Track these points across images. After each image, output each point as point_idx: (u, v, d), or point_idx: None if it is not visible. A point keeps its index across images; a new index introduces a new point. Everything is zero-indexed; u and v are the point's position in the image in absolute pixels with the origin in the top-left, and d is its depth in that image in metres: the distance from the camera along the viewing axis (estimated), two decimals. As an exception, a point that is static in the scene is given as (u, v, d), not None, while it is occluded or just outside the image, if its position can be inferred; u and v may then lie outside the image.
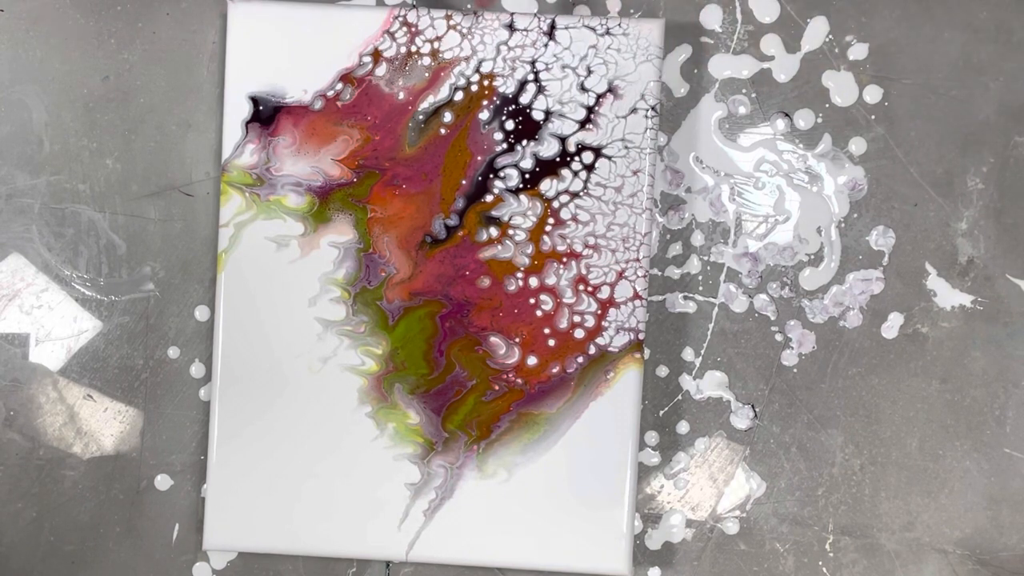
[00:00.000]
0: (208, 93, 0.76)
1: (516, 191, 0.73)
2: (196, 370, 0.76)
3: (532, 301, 0.73)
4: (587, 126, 0.73)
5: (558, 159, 0.73)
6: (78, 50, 0.76)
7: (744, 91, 0.75)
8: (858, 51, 0.74)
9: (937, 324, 0.75)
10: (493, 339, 0.73)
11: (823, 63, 0.75)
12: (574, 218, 0.73)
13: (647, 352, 0.75)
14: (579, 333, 0.73)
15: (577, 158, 0.73)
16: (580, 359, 0.73)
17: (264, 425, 0.73)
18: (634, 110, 0.72)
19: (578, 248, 0.73)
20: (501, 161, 0.73)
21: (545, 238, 0.73)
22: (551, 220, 0.73)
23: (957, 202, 0.75)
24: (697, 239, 0.75)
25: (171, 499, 0.76)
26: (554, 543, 0.72)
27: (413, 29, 0.73)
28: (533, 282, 0.73)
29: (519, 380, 0.73)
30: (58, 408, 0.76)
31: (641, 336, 0.72)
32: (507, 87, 0.73)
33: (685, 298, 0.75)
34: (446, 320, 0.73)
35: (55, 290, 0.76)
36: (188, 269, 0.76)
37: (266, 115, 0.73)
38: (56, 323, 0.76)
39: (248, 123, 0.73)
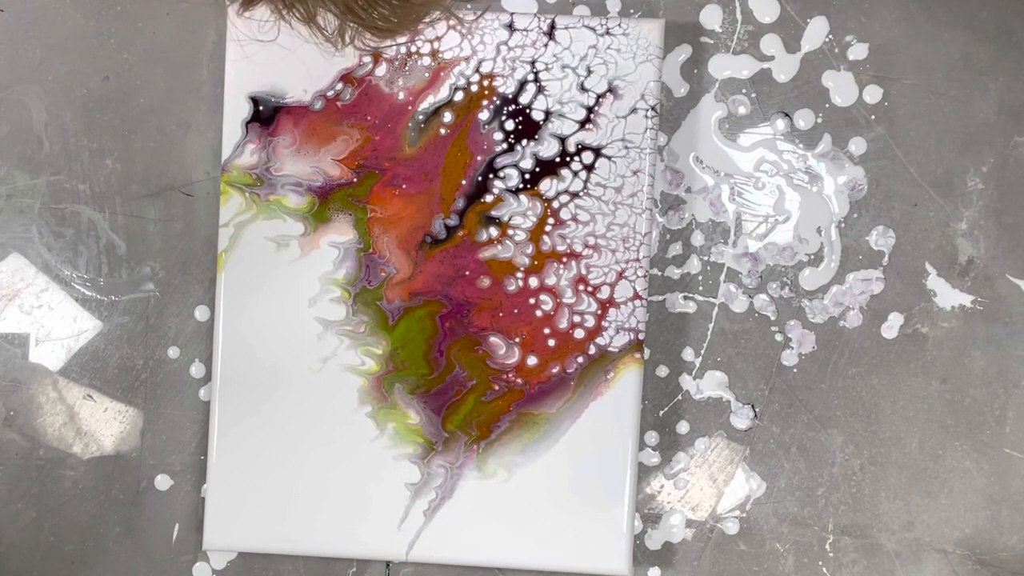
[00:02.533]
0: (208, 93, 0.76)
1: (516, 191, 0.73)
2: (196, 370, 0.76)
3: (532, 301, 0.73)
4: (587, 126, 0.73)
5: (558, 159, 0.73)
6: (78, 50, 0.76)
7: (744, 91, 0.75)
8: (858, 51, 0.74)
9: (937, 324, 0.75)
10: (493, 339, 0.73)
11: (823, 63, 0.75)
12: (574, 218, 0.73)
13: (647, 352, 0.75)
14: (579, 333, 0.73)
15: (577, 158, 0.73)
16: (580, 359, 0.73)
17: (264, 425, 0.73)
18: (634, 110, 0.72)
19: (578, 248, 0.73)
20: (501, 161, 0.73)
21: (545, 238, 0.73)
22: (551, 220, 0.73)
23: (957, 202, 0.75)
24: (697, 239, 0.75)
25: (171, 499, 0.76)
26: (554, 543, 0.72)
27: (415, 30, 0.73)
28: (533, 282, 0.73)
29: (519, 380, 0.73)
30: (58, 408, 0.76)
31: (641, 336, 0.72)
32: (507, 87, 0.73)
33: (685, 298, 0.75)
34: (446, 320, 0.73)
35: (55, 290, 0.76)
36: (188, 269, 0.76)
37: (266, 115, 0.73)
38: (56, 323, 0.76)
39: (248, 123, 0.73)
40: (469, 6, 0.45)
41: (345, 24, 0.43)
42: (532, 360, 0.73)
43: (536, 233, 0.73)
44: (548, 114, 0.73)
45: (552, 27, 0.72)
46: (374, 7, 0.41)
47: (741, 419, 0.75)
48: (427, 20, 0.44)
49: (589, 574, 0.73)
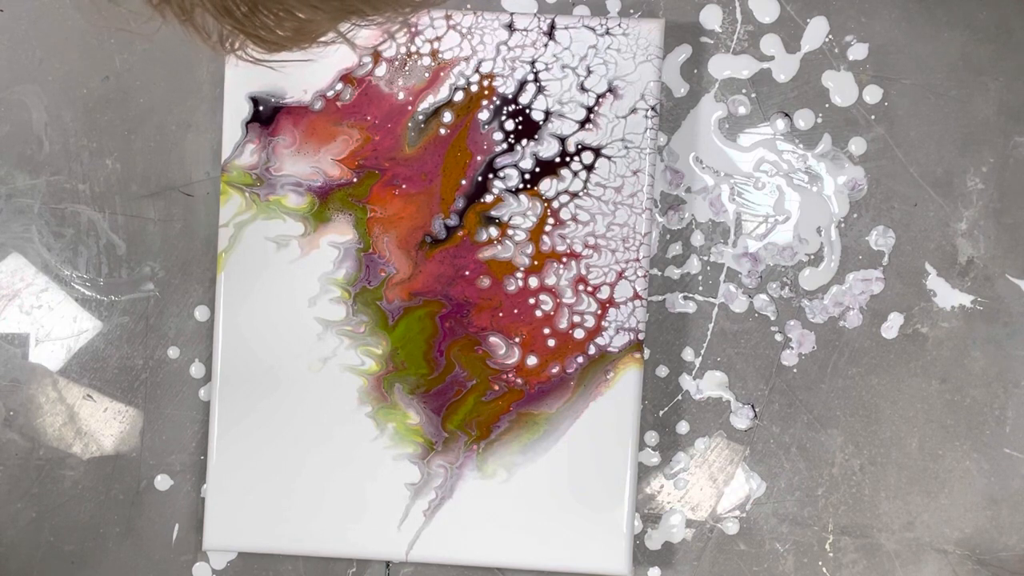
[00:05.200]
0: (208, 93, 0.76)
1: (516, 191, 0.73)
2: (196, 370, 0.76)
3: (532, 301, 0.73)
4: (587, 126, 0.73)
5: (558, 159, 0.73)
6: (78, 50, 0.76)
7: (744, 91, 0.75)
8: (858, 51, 0.74)
9: (937, 324, 0.75)
10: (493, 339, 0.73)
11: (823, 63, 0.75)
12: (574, 218, 0.73)
13: (647, 352, 0.75)
14: (579, 333, 0.73)
15: (577, 158, 0.73)
16: (580, 359, 0.73)
17: (264, 425, 0.73)
18: (634, 110, 0.72)
19: (578, 248, 0.73)
20: (501, 161, 0.73)
21: (545, 238, 0.73)
22: (551, 220, 0.73)
23: (957, 202, 0.74)
24: (697, 239, 0.75)
25: (171, 499, 0.76)
26: (554, 543, 0.72)
27: (413, 29, 0.73)
28: (533, 282, 0.73)
29: (519, 380, 0.73)
30: (58, 408, 0.76)
31: (641, 336, 0.72)
32: (507, 87, 0.73)
33: (685, 298, 0.75)
34: (446, 320, 0.73)
35: (55, 290, 0.76)
36: (188, 269, 0.76)
37: (266, 115, 0.73)
38: (56, 323, 0.76)
39: (248, 123, 0.73)
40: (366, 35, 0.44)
41: (225, 29, 0.41)
42: (532, 360, 0.73)
43: (536, 233, 0.73)
44: (548, 114, 0.73)
45: (552, 27, 0.72)
46: (255, 14, 0.40)
47: (741, 419, 0.75)
48: (322, 41, 0.43)
49: (589, 574, 0.73)
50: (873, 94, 0.74)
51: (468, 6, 0.75)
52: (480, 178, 0.73)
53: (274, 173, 0.73)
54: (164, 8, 0.41)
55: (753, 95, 0.75)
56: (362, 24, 0.43)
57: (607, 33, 0.72)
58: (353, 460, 0.73)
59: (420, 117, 0.73)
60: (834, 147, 0.75)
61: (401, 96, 0.73)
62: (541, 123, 0.73)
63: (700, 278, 0.75)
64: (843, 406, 0.75)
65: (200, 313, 0.76)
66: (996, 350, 0.74)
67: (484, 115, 0.73)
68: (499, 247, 0.73)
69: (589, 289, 0.73)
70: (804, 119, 0.75)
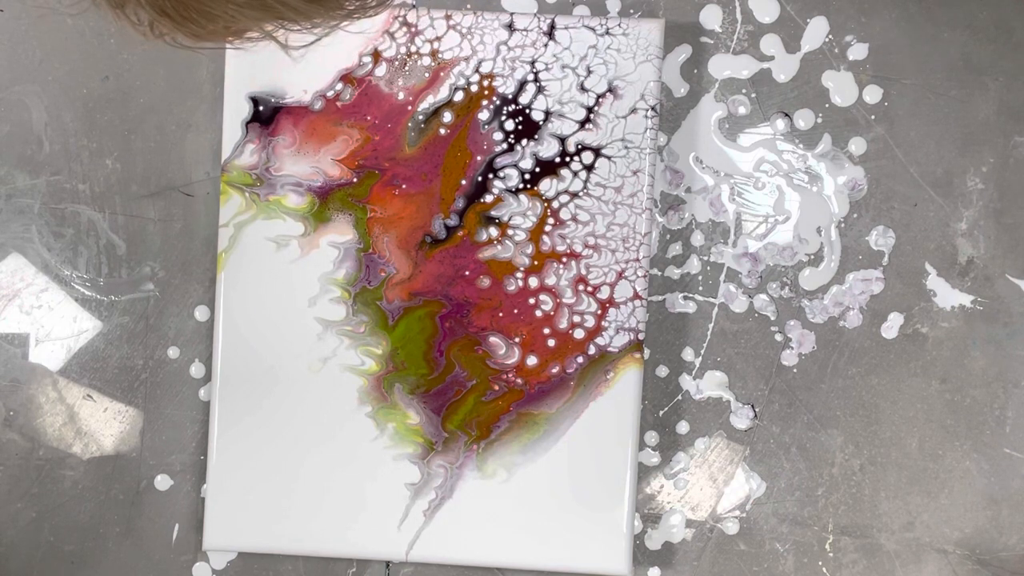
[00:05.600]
0: (208, 93, 0.76)
1: (516, 191, 0.73)
2: (196, 370, 0.76)
3: (532, 301, 0.73)
4: (587, 126, 0.73)
5: (558, 159, 0.73)
6: (78, 50, 0.76)
7: (744, 91, 0.75)
8: (858, 51, 0.74)
9: (937, 324, 0.75)
10: (493, 339, 0.73)
11: (823, 63, 0.75)
12: (574, 218, 0.73)
13: (647, 352, 0.75)
14: (579, 333, 0.73)
15: (577, 158, 0.73)
16: (580, 359, 0.73)
17: (264, 425, 0.73)
18: (634, 110, 0.72)
19: (578, 248, 0.73)
20: (501, 161, 0.73)
21: (545, 238, 0.73)
22: (551, 220, 0.73)
23: (957, 202, 0.74)
24: (697, 239, 0.75)
25: (171, 499, 0.76)
26: (554, 543, 0.72)
27: (413, 29, 0.73)
28: (533, 282, 0.73)
29: (519, 380, 0.73)
30: (58, 408, 0.76)
31: (641, 336, 0.72)
32: (507, 87, 0.73)
33: (685, 298, 0.75)
34: (446, 320, 0.73)
35: (55, 290, 0.76)
36: (188, 269, 0.76)
37: (266, 115, 0.73)
38: (56, 323, 0.76)
39: (248, 123, 0.73)
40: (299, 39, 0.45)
41: (157, 22, 0.43)
42: (532, 360, 0.73)
43: (536, 233, 0.73)
44: (548, 114, 0.73)
45: (552, 27, 0.72)
46: (188, 13, 0.42)
47: (741, 419, 0.75)
48: (249, 37, 0.44)
49: (589, 574, 0.73)
50: (873, 94, 0.74)
51: (468, 6, 0.75)
52: (480, 178, 0.73)
53: (274, 173, 0.73)
54: None
55: (753, 95, 0.75)
56: (292, 28, 0.44)
57: (607, 33, 0.72)
58: (353, 460, 0.73)
59: (420, 117, 0.73)
60: (834, 147, 0.75)
61: (401, 96, 0.73)
62: (541, 123, 0.73)
63: (700, 278, 0.75)
64: (843, 406, 0.75)
65: (200, 313, 0.76)
66: (996, 350, 0.74)
67: (484, 115, 0.73)
68: (499, 247, 0.73)
69: (589, 289, 0.73)
70: (804, 119, 0.75)
